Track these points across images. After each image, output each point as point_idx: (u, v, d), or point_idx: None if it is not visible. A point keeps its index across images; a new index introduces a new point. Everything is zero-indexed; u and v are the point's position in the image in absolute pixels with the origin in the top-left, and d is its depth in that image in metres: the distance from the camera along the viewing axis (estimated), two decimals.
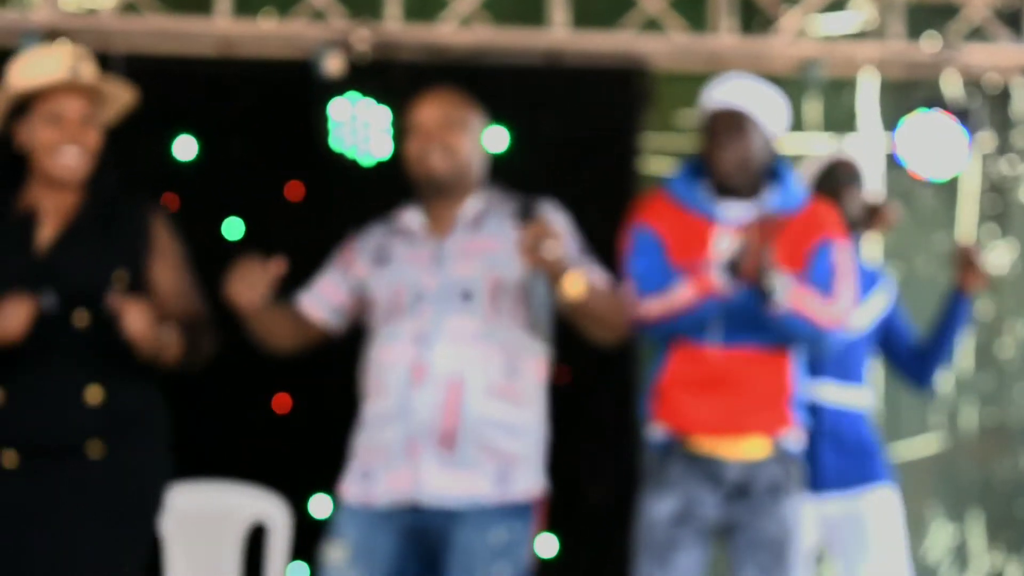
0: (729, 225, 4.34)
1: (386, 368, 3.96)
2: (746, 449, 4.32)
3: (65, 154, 3.97)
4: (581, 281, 3.93)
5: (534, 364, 4.07)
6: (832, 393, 4.76)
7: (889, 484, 4.86)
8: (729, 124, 4.37)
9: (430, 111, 4.12)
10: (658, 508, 4.34)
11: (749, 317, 4.28)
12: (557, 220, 4.09)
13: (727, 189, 4.38)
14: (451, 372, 3.92)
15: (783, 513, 4.32)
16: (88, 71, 4.04)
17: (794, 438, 4.37)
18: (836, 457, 4.77)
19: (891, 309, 4.98)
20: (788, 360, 4.33)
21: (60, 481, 3.88)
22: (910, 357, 4.97)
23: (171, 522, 4.90)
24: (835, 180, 4.89)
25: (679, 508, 4.32)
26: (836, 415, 4.76)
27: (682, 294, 4.25)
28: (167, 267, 4.05)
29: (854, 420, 4.82)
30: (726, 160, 4.34)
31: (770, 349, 4.31)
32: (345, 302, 4.14)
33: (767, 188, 4.41)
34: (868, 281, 4.89)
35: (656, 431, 4.40)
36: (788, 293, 4.18)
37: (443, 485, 3.90)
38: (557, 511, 6.66)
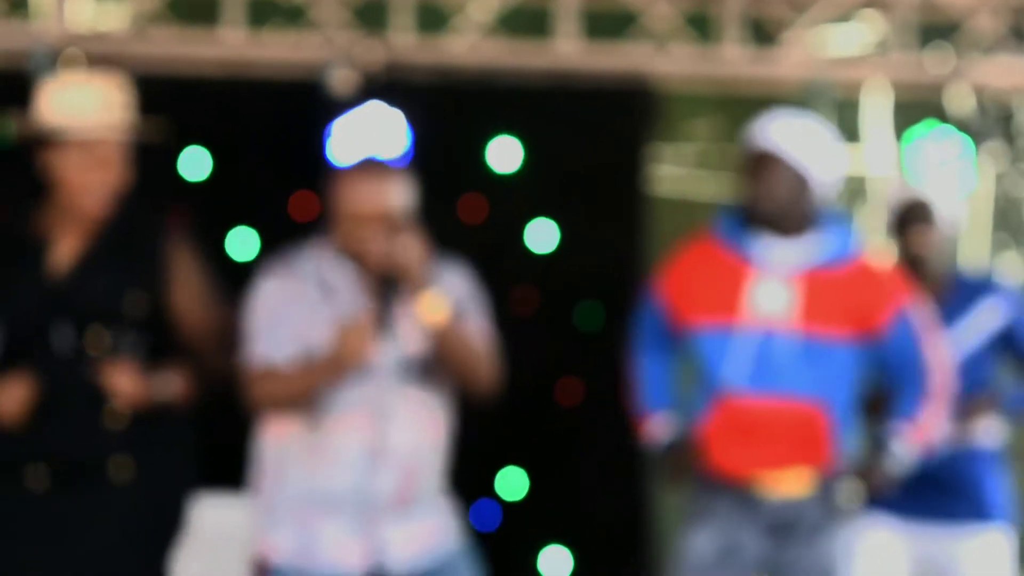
0: (769, 270, 4.34)
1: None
2: (787, 484, 4.31)
3: (98, 194, 3.97)
4: (444, 306, 3.91)
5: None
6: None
7: (1002, 526, 4.81)
8: (760, 164, 4.37)
9: (370, 202, 4.08)
10: (701, 545, 4.33)
11: (778, 365, 4.29)
12: (457, 279, 4.13)
13: (768, 227, 4.37)
14: (407, 457, 4.01)
15: (827, 552, 4.31)
16: (124, 103, 4.03)
17: (837, 475, 4.36)
18: (931, 490, 4.76)
19: (1013, 316, 4.91)
20: (825, 409, 4.32)
21: (85, 497, 3.88)
22: None
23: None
24: (908, 219, 4.88)
25: (722, 545, 4.30)
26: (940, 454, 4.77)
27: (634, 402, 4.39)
28: (187, 291, 4.05)
29: (960, 457, 4.79)
30: (757, 199, 4.33)
31: (804, 399, 4.31)
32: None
33: (815, 231, 4.40)
34: (970, 294, 4.88)
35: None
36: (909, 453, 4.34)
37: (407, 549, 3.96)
38: (571, 528, 6.69)
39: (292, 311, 4.04)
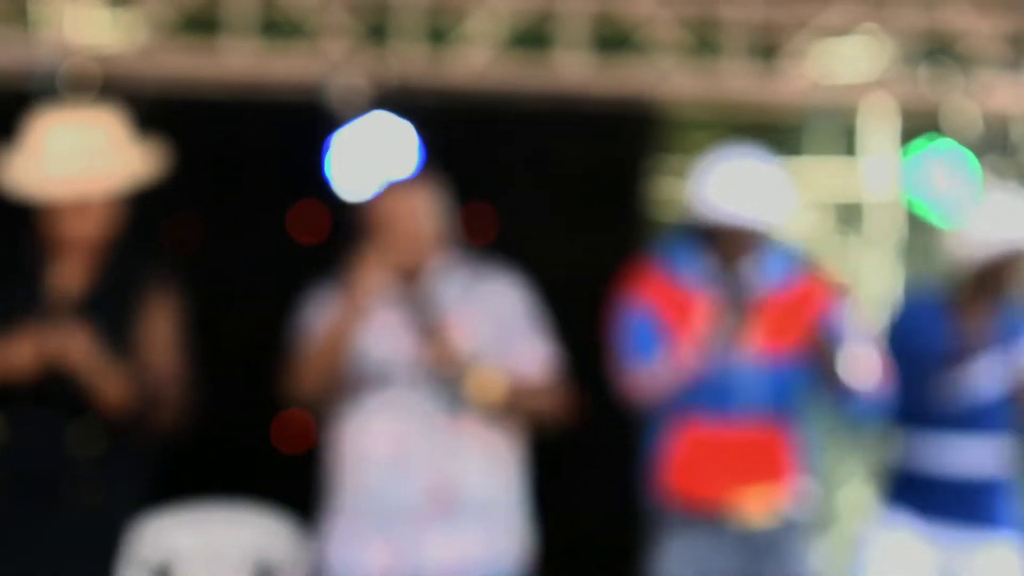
0: (720, 295, 4.36)
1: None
2: (755, 506, 4.31)
3: (92, 234, 3.96)
4: (497, 383, 3.89)
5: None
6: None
7: (1012, 537, 4.84)
8: (743, 242, 4.39)
9: (406, 217, 4.09)
10: (675, 570, 4.32)
11: (736, 387, 4.28)
12: (506, 290, 4.06)
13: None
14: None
15: (797, 566, 4.31)
16: (115, 143, 3.99)
17: (799, 498, 4.36)
18: (950, 495, 4.80)
19: None
20: (788, 427, 4.34)
21: (47, 520, 3.87)
22: None
23: (182, 553, 4.89)
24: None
25: (695, 569, 4.29)
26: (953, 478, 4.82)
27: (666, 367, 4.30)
28: (157, 324, 4.03)
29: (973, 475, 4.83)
30: (737, 267, 4.34)
31: (765, 419, 4.32)
32: None
33: (761, 257, 4.42)
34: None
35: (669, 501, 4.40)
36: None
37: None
38: (562, 548, 6.68)
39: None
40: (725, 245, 4.38)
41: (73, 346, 3.84)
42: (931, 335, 4.88)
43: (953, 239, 4.99)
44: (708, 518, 4.32)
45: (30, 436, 3.90)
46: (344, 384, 3.97)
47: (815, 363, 4.28)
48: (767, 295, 4.38)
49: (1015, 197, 6.49)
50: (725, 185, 4.41)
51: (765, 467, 4.32)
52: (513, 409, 3.94)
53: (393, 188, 4.10)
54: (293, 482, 6.35)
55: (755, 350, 4.34)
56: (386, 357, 3.94)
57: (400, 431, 3.90)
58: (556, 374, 4.05)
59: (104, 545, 3.94)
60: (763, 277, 4.39)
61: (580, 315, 6.35)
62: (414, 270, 3.95)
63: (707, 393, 4.31)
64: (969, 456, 4.80)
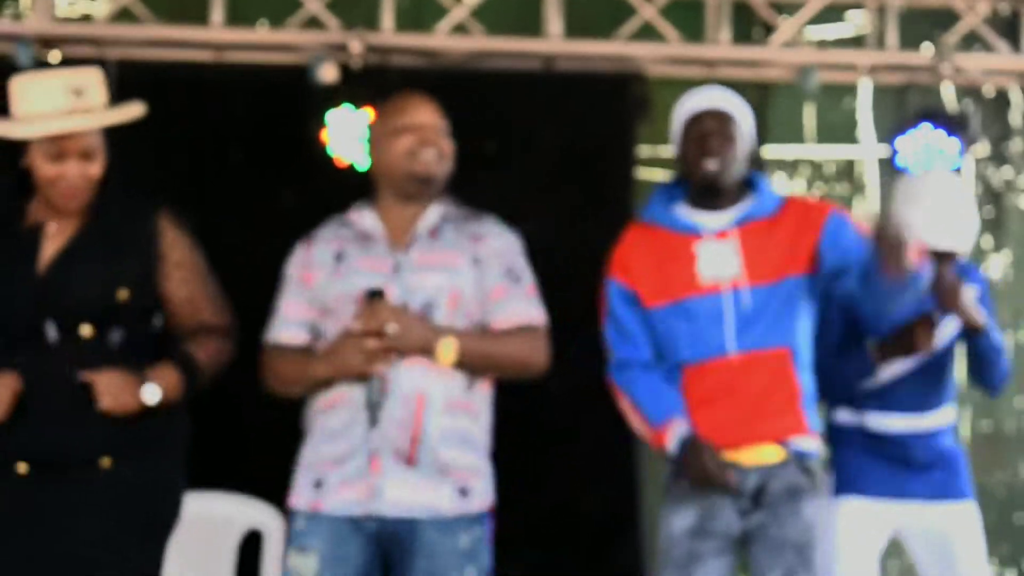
0: (711, 233, 4.31)
1: (350, 381, 3.95)
2: (760, 455, 4.29)
3: (73, 186, 3.93)
4: (451, 349, 3.92)
5: (486, 378, 4.08)
6: (901, 424, 4.79)
7: (971, 501, 4.84)
8: (715, 124, 4.32)
9: (424, 114, 4.11)
10: (677, 522, 4.30)
11: (750, 324, 4.28)
12: (501, 240, 4.10)
13: (709, 198, 4.35)
14: (414, 388, 3.92)
15: (804, 515, 4.27)
16: (92, 95, 3.98)
17: (809, 443, 4.34)
18: (906, 470, 4.78)
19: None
20: (792, 359, 4.30)
21: (71, 494, 3.86)
22: (982, 361, 4.85)
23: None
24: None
25: (697, 520, 4.27)
26: (904, 439, 4.79)
27: (641, 426, 4.31)
28: (179, 279, 4.00)
29: (926, 439, 4.80)
30: (715, 160, 4.30)
31: (772, 349, 4.29)
32: (315, 316, 4.11)
33: (745, 198, 4.38)
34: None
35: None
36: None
37: (404, 497, 3.90)
38: (556, 523, 6.69)
39: (309, 280, 4.05)
40: (701, 134, 4.34)
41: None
42: None
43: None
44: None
45: (50, 407, 3.88)
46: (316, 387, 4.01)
47: (870, 262, 4.18)
48: (749, 222, 4.34)
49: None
50: (692, 97, 4.41)
51: (770, 409, 4.28)
52: (474, 368, 3.97)
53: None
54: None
55: (749, 281, 4.28)
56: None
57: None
58: (532, 330, 4.05)
59: (126, 516, 3.91)
60: (755, 208, 4.35)
61: (566, 284, 6.35)
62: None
63: (705, 335, 4.29)
64: (921, 426, 4.81)
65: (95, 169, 3.94)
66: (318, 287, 4.05)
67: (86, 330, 3.87)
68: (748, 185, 4.38)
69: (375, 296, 3.92)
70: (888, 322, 4.67)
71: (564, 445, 6.56)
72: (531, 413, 6.45)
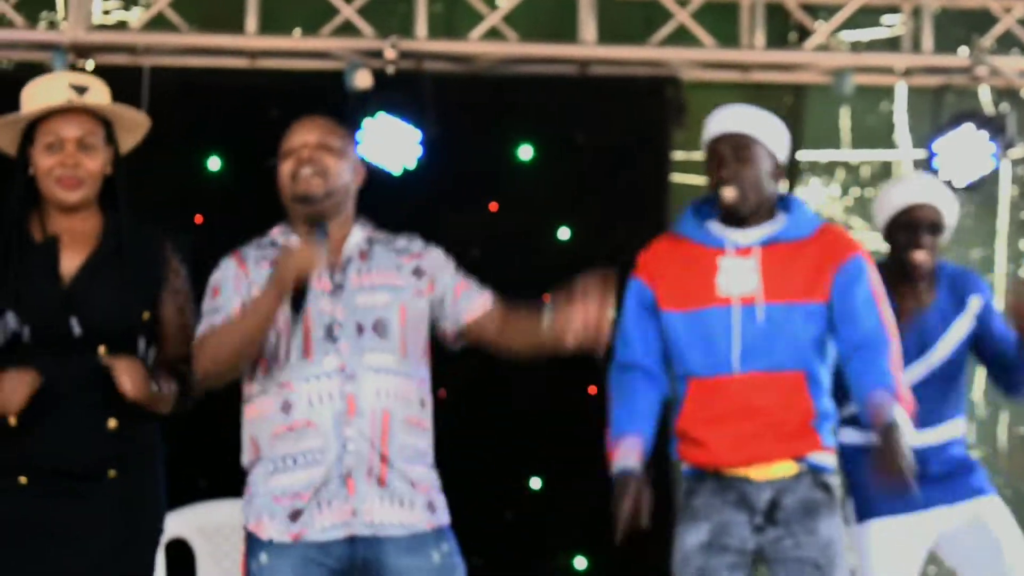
0: (734, 248, 4.31)
1: (314, 404, 3.93)
2: (772, 470, 4.27)
3: (64, 173, 3.94)
4: None
5: (430, 396, 4.09)
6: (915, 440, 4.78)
7: (996, 496, 4.83)
8: (735, 147, 4.32)
9: (304, 135, 4.08)
10: (690, 538, 4.28)
11: (762, 344, 4.26)
12: (435, 249, 4.11)
13: (736, 217, 4.34)
14: (378, 408, 3.92)
15: (821, 533, 4.24)
16: (94, 95, 3.99)
17: (825, 457, 4.31)
18: (923, 482, 4.72)
19: (983, 319, 4.83)
20: (805, 380, 4.28)
21: (79, 505, 3.87)
22: (1000, 368, 4.87)
23: (202, 536, 4.88)
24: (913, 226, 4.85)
25: (710, 536, 4.26)
26: (918, 453, 4.75)
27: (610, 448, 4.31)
28: (174, 307, 4.02)
29: (939, 452, 4.77)
30: (731, 188, 4.29)
31: (787, 372, 4.26)
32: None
33: (778, 216, 4.36)
34: (954, 305, 4.85)
35: (684, 466, 4.37)
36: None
37: (381, 515, 3.90)
38: (589, 536, 6.66)
39: (241, 289, 4.01)
40: (721, 156, 4.32)
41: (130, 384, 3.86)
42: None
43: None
44: (725, 481, 4.28)
45: (61, 418, 3.89)
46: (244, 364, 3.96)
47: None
48: (775, 243, 4.32)
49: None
50: (713, 118, 4.40)
51: (783, 427, 4.26)
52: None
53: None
54: None
55: (767, 300, 4.27)
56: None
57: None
58: (491, 304, 4.09)
59: (131, 527, 3.92)
60: (788, 229, 4.33)
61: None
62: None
63: (721, 350, 4.28)
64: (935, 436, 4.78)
65: (93, 164, 3.95)
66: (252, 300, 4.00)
67: (103, 348, 3.89)
68: (783, 203, 4.37)
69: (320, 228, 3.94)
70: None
71: (596, 447, 6.55)
72: (569, 418, 6.46)
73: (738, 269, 4.28)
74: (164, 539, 3.94)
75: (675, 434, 4.36)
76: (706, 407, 4.27)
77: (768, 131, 4.35)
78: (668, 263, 4.36)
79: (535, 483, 6.67)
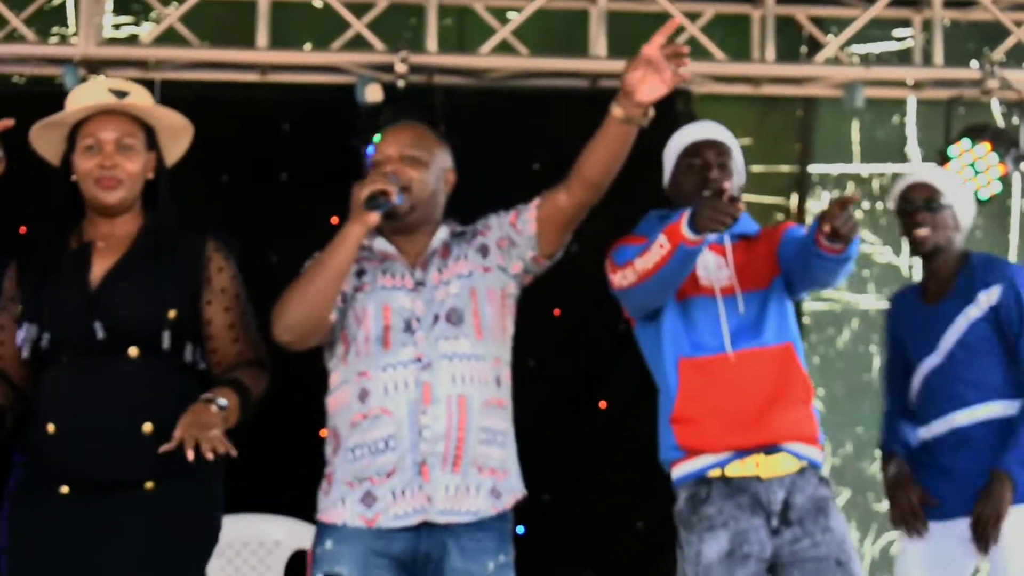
0: (708, 244, 4.35)
1: (389, 393, 3.96)
2: (778, 466, 4.28)
3: (104, 174, 3.96)
4: None
5: (508, 371, 4.11)
6: (959, 420, 4.79)
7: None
8: (717, 152, 4.43)
9: (386, 147, 4.13)
10: (709, 549, 4.27)
11: (747, 326, 4.31)
12: (486, 218, 4.18)
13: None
14: (454, 394, 3.95)
15: (836, 530, 4.27)
16: (134, 99, 4.02)
17: (818, 453, 4.35)
18: (949, 486, 4.78)
19: (1001, 305, 4.84)
20: (794, 350, 4.34)
21: (114, 516, 3.86)
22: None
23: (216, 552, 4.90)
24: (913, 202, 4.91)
25: (732, 545, 4.26)
26: (952, 441, 4.79)
27: (656, 251, 4.26)
28: (220, 307, 4.02)
29: (975, 442, 4.78)
30: (720, 184, 4.35)
31: (776, 346, 4.32)
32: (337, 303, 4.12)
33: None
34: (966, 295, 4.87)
35: (682, 467, 4.36)
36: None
37: (452, 502, 3.93)
38: (597, 539, 6.66)
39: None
40: (704, 161, 4.42)
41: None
42: (910, 323, 4.93)
43: None
44: (733, 483, 4.28)
45: (95, 424, 3.89)
46: (326, 321, 3.97)
47: (798, 254, 4.27)
48: (737, 240, 4.42)
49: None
50: (686, 129, 4.56)
51: (779, 401, 4.28)
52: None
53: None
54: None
55: (741, 287, 4.36)
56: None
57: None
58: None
59: (170, 536, 3.91)
60: (741, 228, 4.40)
61: (604, 303, 6.37)
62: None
63: (712, 333, 4.32)
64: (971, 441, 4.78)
65: (132, 165, 3.98)
66: (347, 294, 4.04)
67: (134, 350, 3.89)
68: None
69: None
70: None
71: (607, 461, 6.55)
72: (575, 429, 6.46)
73: (713, 263, 4.38)
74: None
75: (670, 423, 4.35)
76: (702, 389, 4.30)
77: (738, 150, 4.52)
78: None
79: (544, 498, 6.66)
